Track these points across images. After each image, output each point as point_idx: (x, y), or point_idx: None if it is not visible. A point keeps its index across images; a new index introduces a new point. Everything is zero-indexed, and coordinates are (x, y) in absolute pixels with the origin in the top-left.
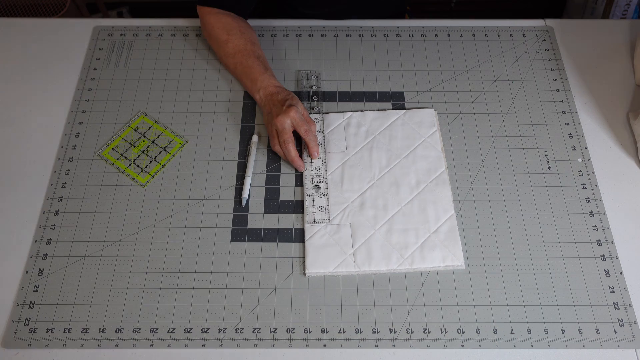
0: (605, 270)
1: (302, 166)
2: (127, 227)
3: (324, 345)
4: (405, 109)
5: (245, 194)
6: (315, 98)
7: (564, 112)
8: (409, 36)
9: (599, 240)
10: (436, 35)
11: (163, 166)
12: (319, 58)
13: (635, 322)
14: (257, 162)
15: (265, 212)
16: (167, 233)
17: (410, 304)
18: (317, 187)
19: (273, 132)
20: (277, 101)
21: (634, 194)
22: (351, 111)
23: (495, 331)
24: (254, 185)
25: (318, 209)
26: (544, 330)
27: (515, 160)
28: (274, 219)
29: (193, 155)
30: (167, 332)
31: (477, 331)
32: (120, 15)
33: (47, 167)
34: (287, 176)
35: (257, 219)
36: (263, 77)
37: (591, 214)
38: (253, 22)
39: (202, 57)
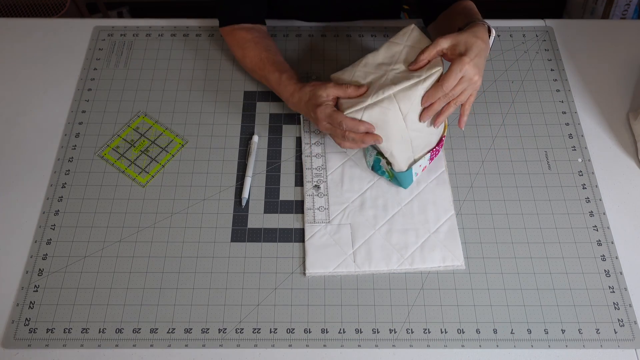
0: (605, 271)
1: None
2: (127, 227)
3: (324, 346)
4: None
5: (245, 194)
6: None
7: (564, 112)
8: None
9: (599, 241)
10: None
11: (163, 166)
12: (319, 58)
13: (635, 322)
14: (257, 162)
15: (265, 212)
16: (167, 233)
17: (410, 304)
18: (317, 187)
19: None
20: (305, 107)
21: (634, 194)
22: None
23: (495, 331)
24: (254, 185)
25: (318, 209)
26: (544, 330)
27: (515, 161)
28: (274, 219)
29: (193, 155)
30: (167, 332)
31: (477, 331)
32: (120, 15)
33: (47, 167)
34: (287, 176)
35: (257, 219)
36: (282, 88)
37: (591, 214)
38: None
39: (202, 57)
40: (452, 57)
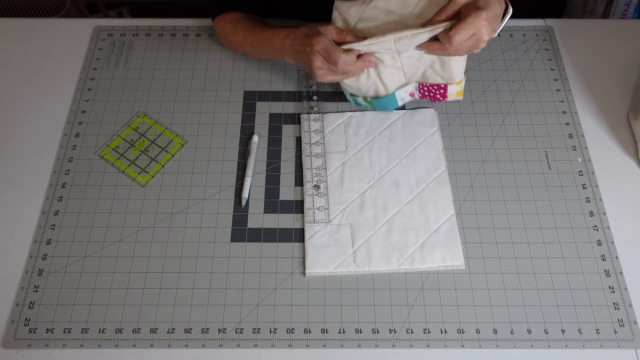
0: (605, 271)
1: (369, 62)
2: (127, 227)
3: (324, 346)
4: (405, 109)
5: (245, 194)
6: (315, 98)
7: (564, 112)
8: None
9: (599, 241)
10: None
11: (163, 166)
12: None
13: (635, 322)
14: (257, 162)
15: (265, 212)
16: (167, 233)
17: (410, 304)
18: (317, 187)
19: (320, 74)
20: (301, 43)
21: (634, 194)
22: (351, 111)
23: (495, 331)
24: (253, 185)
25: (318, 208)
26: (544, 330)
27: (515, 160)
28: (274, 219)
29: (193, 155)
30: (167, 332)
31: (477, 331)
32: (120, 15)
33: (47, 167)
34: (287, 176)
35: (257, 219)
36: (275, 39)
37: (591, 214)
38: None
39: (202, 57)
40: (468, 12)
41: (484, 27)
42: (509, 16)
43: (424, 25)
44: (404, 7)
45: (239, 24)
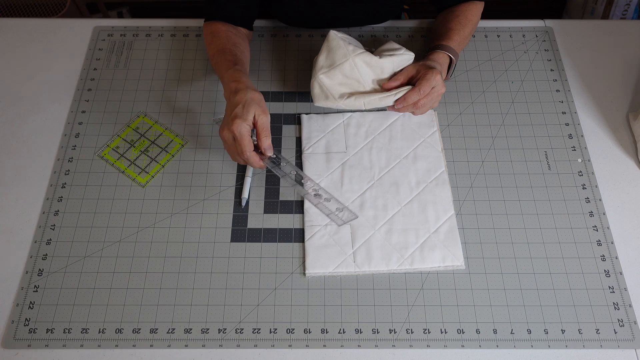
0: (605, 271)
1: (259, 163)
2: (127, 228)
3: (324, 346)
4: None
5: (245, 194)
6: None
7: (564, 113)
8: (409, 36)
9: (599, 241)
10: None
11: (163, 166)
12: None
13: (635, 323)
14: None
15: (265, 212)
16: (167, 233)
17: (410, 304)
18: (317, 195)
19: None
20: (231, 105)
21: (634, 194)
22: (351, 111)
23: (495, 331)
24: (253, 185)
25: (336, 209)
26: (544, 330)
27: (515, 161)
28: (274, 219)
29: (193, 155)
30: (167, 332)
31: (477, 331)
32: (120, 15)
33: (47, 167)
34: (287, 176)
35: (257, 219)
36: (226, 74)
37: (591, 214)
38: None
39: (202, 57)
40: (424, 72)
41: (439, 81)
42: (454, 66)
43: (385, 85)
44: (378, 75)
45: (216, 38)
